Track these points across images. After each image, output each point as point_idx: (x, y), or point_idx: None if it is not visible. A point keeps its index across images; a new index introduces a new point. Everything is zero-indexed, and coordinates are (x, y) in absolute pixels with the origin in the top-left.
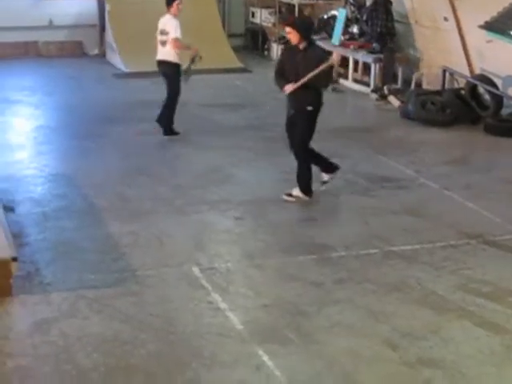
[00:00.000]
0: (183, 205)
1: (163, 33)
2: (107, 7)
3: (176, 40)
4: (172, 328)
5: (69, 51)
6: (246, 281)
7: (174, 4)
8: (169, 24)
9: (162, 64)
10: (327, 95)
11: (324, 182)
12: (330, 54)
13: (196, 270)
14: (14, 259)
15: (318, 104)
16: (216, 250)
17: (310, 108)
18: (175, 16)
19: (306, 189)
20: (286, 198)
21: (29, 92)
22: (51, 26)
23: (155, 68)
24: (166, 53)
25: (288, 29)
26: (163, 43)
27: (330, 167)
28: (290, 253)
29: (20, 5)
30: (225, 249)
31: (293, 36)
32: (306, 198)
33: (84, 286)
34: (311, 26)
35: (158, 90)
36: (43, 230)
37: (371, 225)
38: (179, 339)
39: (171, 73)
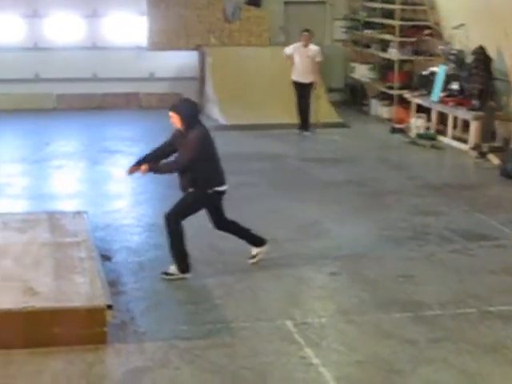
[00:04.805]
0: (278, 258)
1: None
2: (208, 60)
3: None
4: (263, 382)
5: (169, 103)
6: (339, 336)
7: None
8: None
9: None
10: (426, 151)
11: (253, 256)
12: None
13: (289, 325)
14: (110, 307)
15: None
16: (310, 305)
17: (191, 190)
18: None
19: (182, 265)
20: (163, 277)
21: (129, 142)
22: (152, 78)
23: (253, 121)
24: None
25: (171, 113)
26: None
27: (257, 241)
28: (386, 309)
29: (122, 57)
30: (319, 304)
31: (176, 121)
32: (186, 276)
33: (177, 336)
34: (194, 112)
35: (256, 144)
36: (139, 280)
37: (468, 283)
38: None
39: None
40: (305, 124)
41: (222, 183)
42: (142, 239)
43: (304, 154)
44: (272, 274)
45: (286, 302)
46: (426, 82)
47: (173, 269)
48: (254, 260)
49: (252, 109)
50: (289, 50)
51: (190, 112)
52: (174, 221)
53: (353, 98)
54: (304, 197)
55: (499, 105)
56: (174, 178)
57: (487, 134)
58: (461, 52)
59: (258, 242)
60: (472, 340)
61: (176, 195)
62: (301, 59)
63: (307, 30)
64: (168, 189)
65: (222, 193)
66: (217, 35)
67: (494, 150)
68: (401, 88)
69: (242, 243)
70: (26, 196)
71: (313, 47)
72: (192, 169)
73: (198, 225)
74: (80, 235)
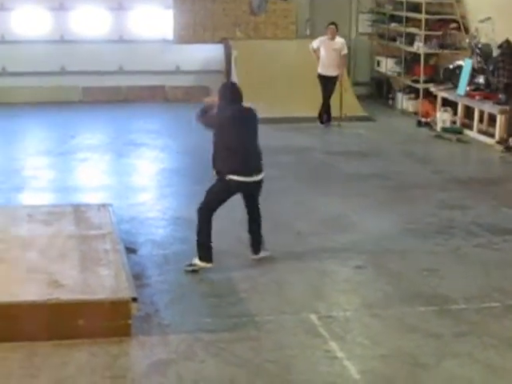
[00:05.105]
0: (303, 252)
1: None
2: (234, 53)
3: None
4: (288, 375)
5: (195, 96)
6: (364, 330)
7: None
8: None
9: None
10: (452, 145)
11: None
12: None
13: (314, 318)
14: (134, 300)
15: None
16: (335, 299)
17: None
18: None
19: (204, 256)
20: (187, 268)
21: (154, 135)
22: (178, 71)
23: (279, 115)
24: None
25: None
26: None
27: (257, 248)
28: (410, 303)
29: (148, 50)
30: (344, 297)
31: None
32: (208, 266)
33: (202, 329)
34: (222, 95)
35: (282, 137)
36: (163, 273)
37: (493, 278)
38: None
39: None
40: (328, 116)
41: (240, 173)
42: (167, 232)
43: (329, 147)
44: (296, 267)
45: (311, 296)
46: (452, 76)
47: (195, 260)
48: (257, 257)
49: (277, 102)
50: (315, 43)
51: (220, 95)
52: (204, 213)
53: (378, 91)
54: (329, 190)
55: None
56: (199, 171)
57: None
58: (487, 45)
59: (256, 249)
60: (497, 334)
61: (202, 189)
62: (327, 52)
63: (333, 24)
64: (194, 183)
65: (242, 184)
66: (242, 28)
67: None
68: (426, 82)
69: (267, 237)
70: (52, 189)
71: (339, 40)
72: (215, 152)
73: (225, 216)
74: (105, 228)
